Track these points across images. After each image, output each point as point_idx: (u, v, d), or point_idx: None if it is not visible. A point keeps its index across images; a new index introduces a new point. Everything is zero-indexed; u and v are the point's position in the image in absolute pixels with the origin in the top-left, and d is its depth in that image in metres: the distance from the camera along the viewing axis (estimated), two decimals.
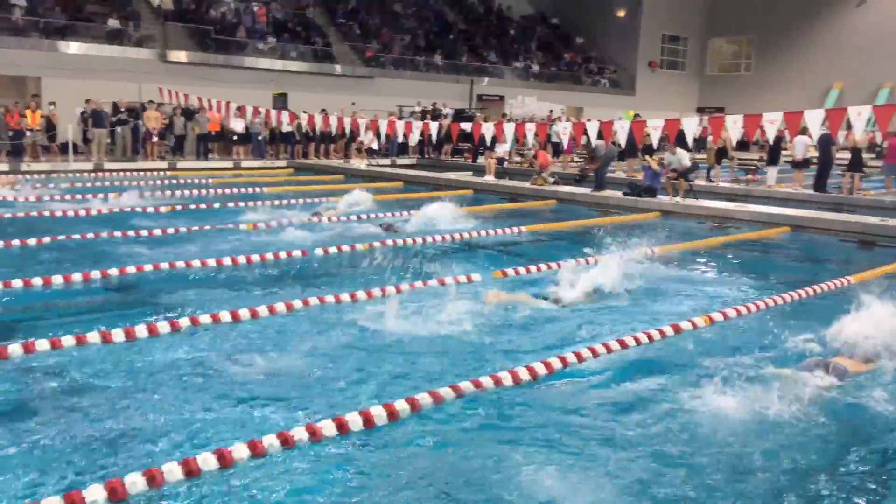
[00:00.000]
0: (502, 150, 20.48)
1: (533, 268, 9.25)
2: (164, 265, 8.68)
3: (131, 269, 8.47)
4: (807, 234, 12.94)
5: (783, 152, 19.99)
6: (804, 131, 16.92)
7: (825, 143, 17.59)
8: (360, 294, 7.70)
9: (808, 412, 5.07)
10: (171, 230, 11.04)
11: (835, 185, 18.77)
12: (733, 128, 13.99)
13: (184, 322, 6.52)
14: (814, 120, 12.66)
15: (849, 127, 14.54)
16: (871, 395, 5.43)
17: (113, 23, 25.62)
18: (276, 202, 14.52)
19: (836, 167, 19.19)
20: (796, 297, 8.14)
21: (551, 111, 31.83)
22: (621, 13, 43.88)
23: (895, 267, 9.96)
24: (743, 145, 28.07)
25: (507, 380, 5.44)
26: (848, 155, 18.54)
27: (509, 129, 18.14)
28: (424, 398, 4.99)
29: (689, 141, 16.29)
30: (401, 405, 4.87)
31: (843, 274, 9.20)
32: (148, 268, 8.57)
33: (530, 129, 18.15)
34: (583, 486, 4.07)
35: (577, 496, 3.99)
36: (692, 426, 4.83)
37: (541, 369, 5.66)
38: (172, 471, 3.96)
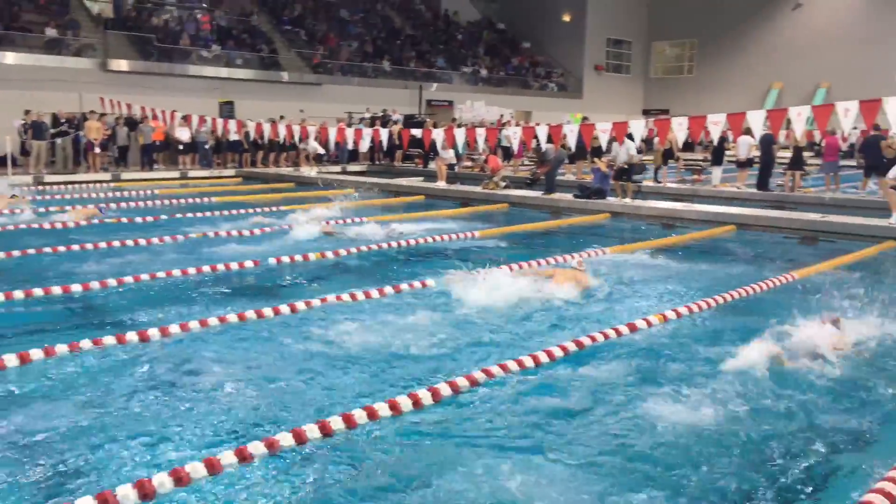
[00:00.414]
0: (448, 155, 20.42)
1: (481, 271, 9.22)
2: (112, 280, 8.45)
3: (76, 287, 8.21)
4: (752, 231, 13.25)
5: (727, 152, 20.44)
6: (747, 131, 17.33)
7: (767, 143, 18.05)
8: (315, 302, 7.62)
9: (763, 406, 5.19)
10: (116, 243, 10.76)
11: (777, 183, 19.27)
12: (679, 129, 14.24)
13: (131, 336, 6.36)
14: (756, 120, 12.98)
15: (789, 126, 14.95)
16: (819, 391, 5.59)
17: (51, 32, 24.94)
18: (227, 212, 14.31)
19: (778, 166, 19.71)
20: (744, 294, 8.31)
21: (501, 115, 32.03)
22: (566, 18, 44.44)
23: (837, 262, 10.27)
24: (688, 146, 28.59)
25: (463, 384, 5.43)
26: (789, 154, 19.05)
27: (460, 134, 18.19)
28: (382, 407, 4.95)
29: (637, 142, 16.55)
30: (358, 413, 4.83)
31: (787, 270, 9.44)
32: (94, 284, 8.32)
33: (480, 133, 18.22)
34: (539, 487, 4.08)
35: (533, 496, 3.99)
36: (647, 424, 4.89)
37: (497, 371, 5.67)
38: (127, 495, 3.83)
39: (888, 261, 10.86)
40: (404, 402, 5.05)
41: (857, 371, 5.92)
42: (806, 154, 20.28)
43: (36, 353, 5.86)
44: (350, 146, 24.03)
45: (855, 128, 25.92)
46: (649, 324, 7.04)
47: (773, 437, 4.76)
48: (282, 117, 23.25)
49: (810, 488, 4.16)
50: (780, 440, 4.71)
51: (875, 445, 4.76)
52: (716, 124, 13.48)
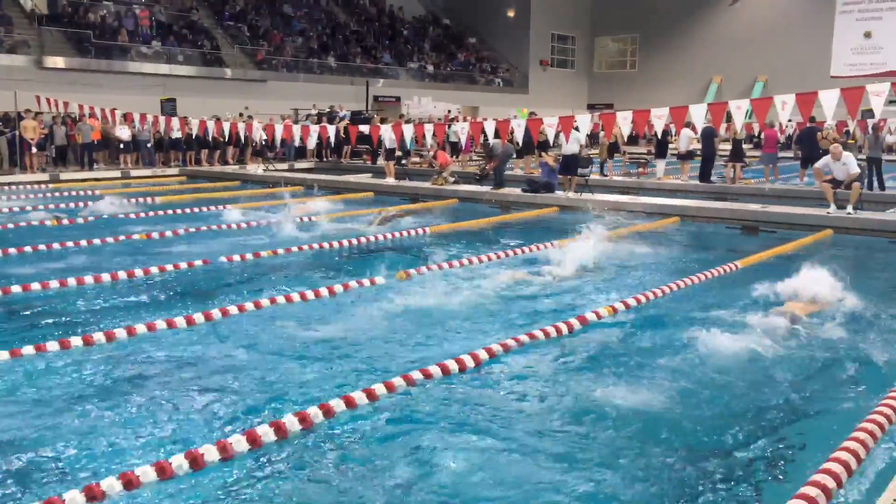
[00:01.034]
0: (389, 138, 19.77)
1: (435, 267, 9.28)
2: (54, 282, 8.22)
3: (16, 289, 7.96)
4: (695, 222, 13.54)
5: (670, 146, 20.84)
6: (689, 124, 17.68)
7: (708, 136, 18.44)
8: (264, 301, 7.53)
9: (713, 388, 5.33)
10: (56, 245, 10.45)
11: (718, 175, 19.73)
12: (624, 123, 14.45)
13: (75, 340, 6.19)
14: (697, 114, 13.25)
15: (729, 119, 15.30)
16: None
17: None
18: (171, 212, 14.03)
19: (719, 158, 20.17)
20: (690, 283, 8.50)
21: (448, 111, 32.09)
22: (511, 13, 44.71)
23: (778, 250, 10.58)
24: (631, 140, 29.11)
25: (418, 377, 5.44)
26: (729, 146, 19.53)
27: (408, 129, 18.15)
28: (338, 404, 4.93)
29: (583, 137, 16.78)
30: (314, 411, 4.79)
31: (731, 259, 9.68)
32: (35, 286, 8.08)
33: (429, 129, 18.19)
34: (494, 471, 4.12)
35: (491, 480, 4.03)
36: (600, 411, 4.97)
37: (452, 366, 5.68)
38: (74, 499, 3.74)
39: (826, 248, 11.23)
40: (359, 398, 5.05)
41: (807, 349, 6.13)
42: (745, 146, 20.81)
43: None
44: (297, 143, 23.82)
45: (790, 120, 26.67)
46: (599, 316, 7.14)
47: (726, 417, 4.89)
48: (241, 114, 22.77)
49: (763, 467, 4.29)
50: (733, 420, 4.84)
51: (822, 423, 4.93)
52: (659, 118, 13.71)
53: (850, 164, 12.58)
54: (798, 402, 5.25)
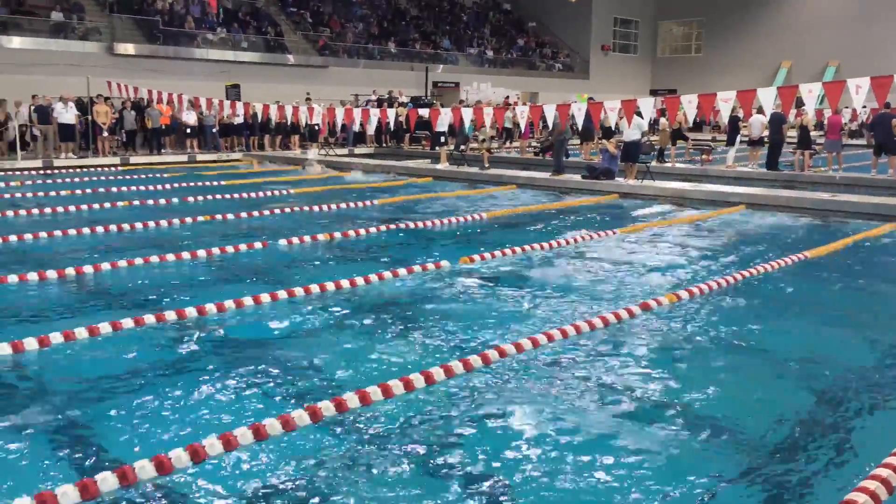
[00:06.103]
0: (441, 124, 19.84)
1: (498, 253, 9.28)
2: (123, 262, 8.50)
3: (88, 269, 8.26)
4: (761, 211, 13.20)
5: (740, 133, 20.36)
6: (760, 110, 17.23)
7: (777, 122, 17.94)
8: (329, 285, 7.63)
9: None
10: (126, 227, 10.80)
11: (786, 163, 19.20)
12: (689, 107, 14.16)
13: (148, 318, 6.40)
14: (766, 98, 12.88)
15: (799, 105, 14.80)
16: None
17: (56, 16, 24.93)
18: (234, 196, 14.36)
19: (787, 145, 19.61)
20: (755, 273, 8.31)
21: (507, 97, 31.95)
22: None
23: (848, 241, 10.25)
24: (695, 126, 28.52)
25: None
26: (796, 133, 18.96)
27: (467, 114, 18.16)
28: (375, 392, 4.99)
29: (645, 123, 16.53)
30: (350, 399, 4.86)
31: (799, 250, 9.42)
32: (105, 266, 8.37)
33: (488, 113, 18.14)
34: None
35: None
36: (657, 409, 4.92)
37: (493, 355, 5.65)
38: (107, 480, 3.70)
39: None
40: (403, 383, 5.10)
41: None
42: (814, 133, 20.18)
43: (56, 337, 5.89)
44: (356, 128, 24.06)
45: (864, 106, 25.76)
46: (659, 304, 7.04)
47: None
48: (307, 99, 23.09)
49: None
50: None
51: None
52: (726, 102, 13.38)
53: None
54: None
